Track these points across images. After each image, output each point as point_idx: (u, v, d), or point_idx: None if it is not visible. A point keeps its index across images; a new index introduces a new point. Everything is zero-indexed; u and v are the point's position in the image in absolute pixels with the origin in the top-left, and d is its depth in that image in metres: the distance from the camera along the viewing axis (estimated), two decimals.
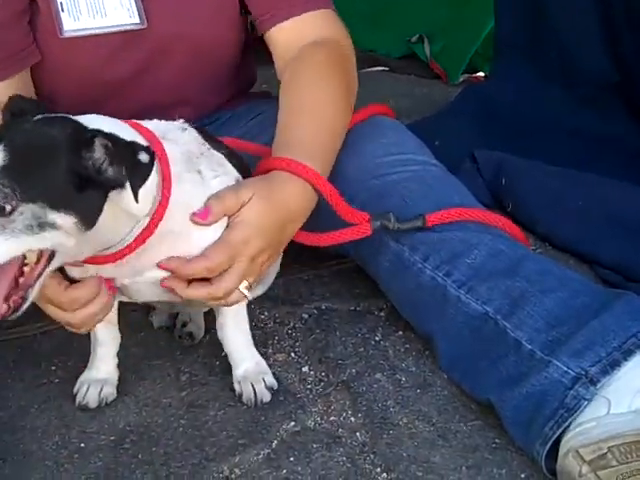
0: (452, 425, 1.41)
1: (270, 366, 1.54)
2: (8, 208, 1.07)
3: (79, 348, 1.61)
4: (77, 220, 1.11)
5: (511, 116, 2.58)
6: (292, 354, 1.60)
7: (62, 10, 1.51)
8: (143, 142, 1.20)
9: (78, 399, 1.46)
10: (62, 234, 1.12)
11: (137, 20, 1.54)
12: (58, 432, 1.41)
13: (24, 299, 1.17)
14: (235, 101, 1.83)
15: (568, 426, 1.22)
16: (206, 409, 1.45)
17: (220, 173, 1.31)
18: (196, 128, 1.36)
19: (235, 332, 1.47)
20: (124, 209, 1.17)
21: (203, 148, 1.32)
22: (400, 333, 1.64)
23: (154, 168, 1.15)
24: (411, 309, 1.56)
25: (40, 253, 1.15)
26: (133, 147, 1.13)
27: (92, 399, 1.45)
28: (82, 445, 1.38)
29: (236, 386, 1.48)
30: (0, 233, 1.08)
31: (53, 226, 1.10)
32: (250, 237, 1.30)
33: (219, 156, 1.34)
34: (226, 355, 1.53)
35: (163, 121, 1.33)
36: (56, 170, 1.10)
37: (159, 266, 1.27)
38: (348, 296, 1.77)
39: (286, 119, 1.50)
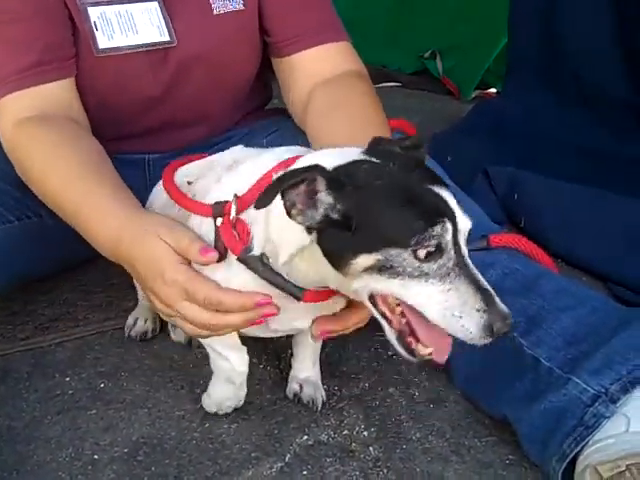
0: (466, 441, 1.41)
1: (283, 379, 1.55)
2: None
3: (93, 360, 1.62)
4: None
5: (523, 133, 2.58)
6: None
7: (96, 29, 1.53)
8: None
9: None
10: None
11: (167, 38, 1.57)
12: (72, 443, 1.40)
13: None
14: (251, 117, 1.84)
15: (586, 443, 1.21)
16: (219, 422, 1.45)
17: None
18: None
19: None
20: None
21: None
22: None
23: None
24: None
25: None
26: None
27: None
28: (95, 457, 1.37)
29: (295, 386, 1.50)
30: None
31: None
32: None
33: None
34: None
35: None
36: None
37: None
38: None
39: (348, 133, 1.46)
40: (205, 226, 1.24)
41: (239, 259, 1.17)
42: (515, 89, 2.90)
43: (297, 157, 1.18)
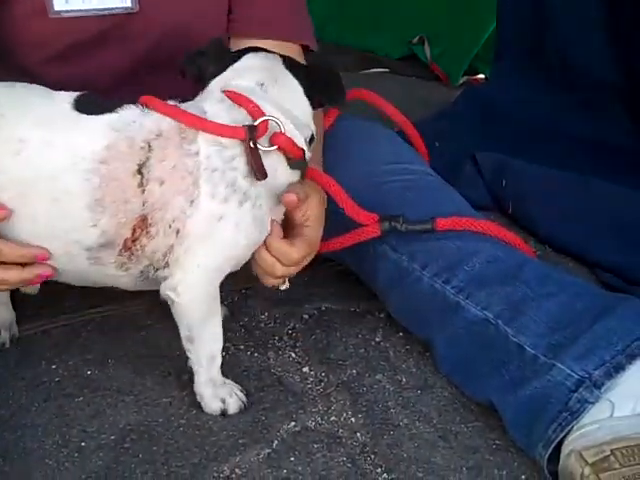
0: (453, 426, 1.41)
1: (270, 366, 1.55)
2: None
3: (80, 347, 1.61)
4: None
5: (511, 119, 2.58)
6: (292, 354, 1.60)
7: None
8: None
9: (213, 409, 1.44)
10: None
11: (129, 4, 1.54)
12: (59, 431, 1.40)
13: None
14: None
15: (571, 429, 1.22)
16: None
17: None
18: None
19: None
20: None
21: None
22: (400, 334, 1.64)
23: None
24: (410, 316, 1.57)
25: None
26: None
27: (233, 406, 1.44)
28: (83, 444, 1.37)
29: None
30: None
31: None
32: (321, 232, 1.40)
33: None
34: (226, 355, 1.54)
35: None
36: None
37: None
38: (348, 297, 1.77)
39: None
40: (227, 153, 1.28)
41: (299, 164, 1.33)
42: (504, 74, 2.89)
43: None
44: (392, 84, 3.31)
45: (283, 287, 1.46)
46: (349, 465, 1.33)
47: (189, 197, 1.28)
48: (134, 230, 1.28)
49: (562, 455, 1.22)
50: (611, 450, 1.16)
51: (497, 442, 1.37)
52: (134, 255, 1.31)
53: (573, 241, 1.89)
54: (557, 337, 1.29)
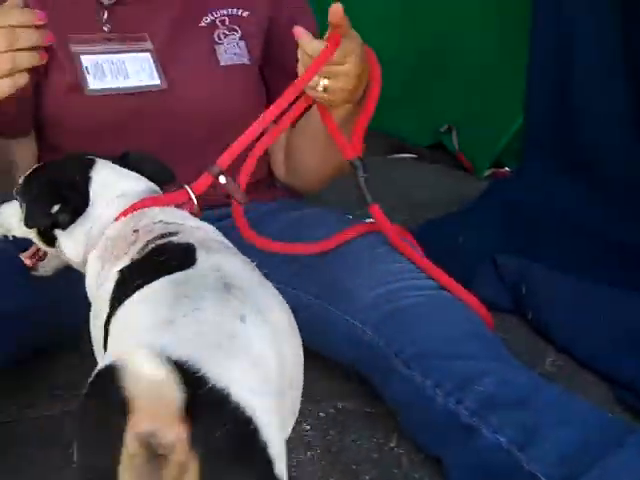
0: None
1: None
2: None
3: None
4: None
5: (537, 216, 2.57)
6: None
7: (88, 72, 1.63)
8: None
9: None
10: None
11: (157, 82, 1.67)
12: None
13: None
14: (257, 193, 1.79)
15: None
16: None
17: None
18: None
19: None
20: None
21: None
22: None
23: None
24: (422, 432, 1.55)
25: None
26: None
27: None
28: None
29: None
30: None
31: None
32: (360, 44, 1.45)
33: None
34: None
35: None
36: None
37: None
38: (364, 397, 1.75)
39: None
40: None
41: None
42: (530, 169, 2.89)
43: None
44: (418, 172, 3.35)
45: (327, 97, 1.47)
46: None
47: None
48: None
49: None
50: None
51: None
52: None
53: (591, 354, 1.88)
54: (567, 469, 1.29)
